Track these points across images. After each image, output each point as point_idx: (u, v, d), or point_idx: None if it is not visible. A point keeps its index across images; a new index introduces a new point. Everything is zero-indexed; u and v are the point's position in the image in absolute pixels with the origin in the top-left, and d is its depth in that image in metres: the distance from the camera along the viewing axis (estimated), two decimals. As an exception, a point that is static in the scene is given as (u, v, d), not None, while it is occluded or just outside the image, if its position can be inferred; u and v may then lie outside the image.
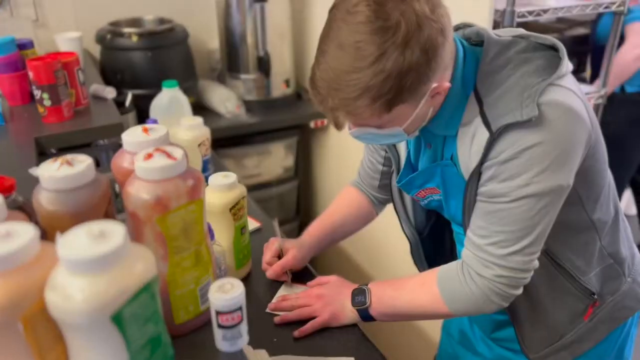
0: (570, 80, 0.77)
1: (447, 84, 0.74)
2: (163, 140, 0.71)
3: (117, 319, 0.49)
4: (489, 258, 0.77)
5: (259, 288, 0.96)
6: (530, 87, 0.72)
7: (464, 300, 0.81)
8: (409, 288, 0.87)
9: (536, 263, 0.79)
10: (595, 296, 0.90)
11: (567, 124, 0.72)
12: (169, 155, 0.66)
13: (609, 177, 0.88)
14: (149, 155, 0.66)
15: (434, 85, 0.71)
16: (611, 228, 0.89)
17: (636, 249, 0.99)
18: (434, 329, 1.74)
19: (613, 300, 0.93)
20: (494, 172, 0.74)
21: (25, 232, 0.51)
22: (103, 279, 0.48)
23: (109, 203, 0.69)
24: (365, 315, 0.88)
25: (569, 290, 0.89)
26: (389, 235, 1.90)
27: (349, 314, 0.87)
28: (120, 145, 0.76)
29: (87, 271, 0.48)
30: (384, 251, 1.96)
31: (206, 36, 2.21)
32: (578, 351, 0.93)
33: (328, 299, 0.88)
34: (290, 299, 0.90)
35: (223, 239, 0.94)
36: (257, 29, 1.97)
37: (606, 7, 1.52)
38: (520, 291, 0.81)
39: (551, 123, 0.71)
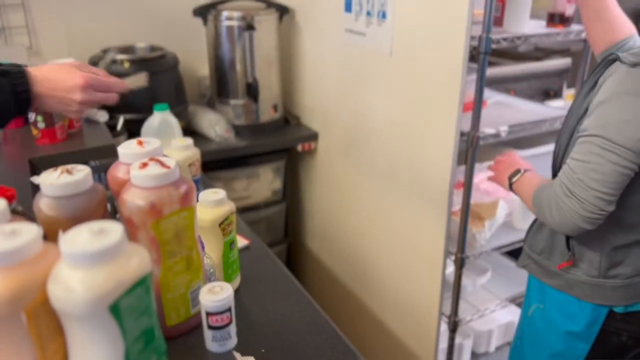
0: None
1: None
2: (157, 152, 0.76)
3: (115, 310, 0.53)
4: None
5: (247, 303, 0.99)
6: None
7: (539, 205, 1.07)
8: (529, 186, 1.15)
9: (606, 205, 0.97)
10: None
11: None
12: (162, 164, 0.70)
13: None
14: (144, 165, 0.70)
15: None
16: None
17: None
18: (406, 335, 1.77)
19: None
20: None
21: (29, 231, 0.54)
22: (102, 272, 0.52)
23: (104, 210, 0.73)
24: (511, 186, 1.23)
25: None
26: (380, 259, 1.94)
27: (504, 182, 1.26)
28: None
29: (87, 264, 0.52)
30: (374, 275, 1.99)
31: (196, 63, 2.28)
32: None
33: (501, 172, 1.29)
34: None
35: (212, 254, 0.98)
36: (246, 56, 2.04)
37: (577, 35, 1.60)
38: (591, 226, 0.98)
39: None
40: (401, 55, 1.60)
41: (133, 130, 1.78)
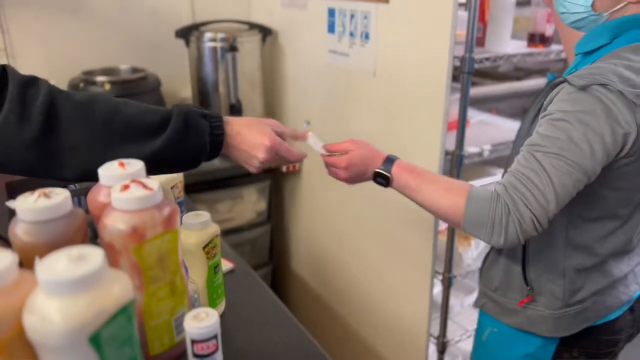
0: None
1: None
2: (139, 174, 0.73)
3: (95, 340, 0.50)
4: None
5: (233, 328, 0.96)
6: None
7: (481, 220, 0.90)
8: (434, 188, 0.97)
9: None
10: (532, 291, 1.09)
11: None
12: (145, 186, 0.68)
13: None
14: (126, 187, 0.68)
15: None
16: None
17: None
18: (374, 338, 1.74)
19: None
20: None
21: (3, 258, 0.52)
22: (81, 300, 0.49)
23: (84, 236, 0.70)
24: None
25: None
26: (367, 280, 1.92)
27: (365, 178, 1.06)
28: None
29: (65, 293, 0.49)
30: (361, 297, 1.97)
31: (179, 85, 2.27)
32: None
33: (352, 174, 1.06)
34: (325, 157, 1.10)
35: (197, 278, 0.95)
36: (229, 77, 2.03)
37: (557, 55, 1.63)
38: (531, 234, 0.90)
39: None
40: (385, 75, 1.60)
41: (114, 153, 1.74)
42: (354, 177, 1.06)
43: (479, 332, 1.25)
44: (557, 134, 0.88)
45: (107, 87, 1.86)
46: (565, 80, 0.91)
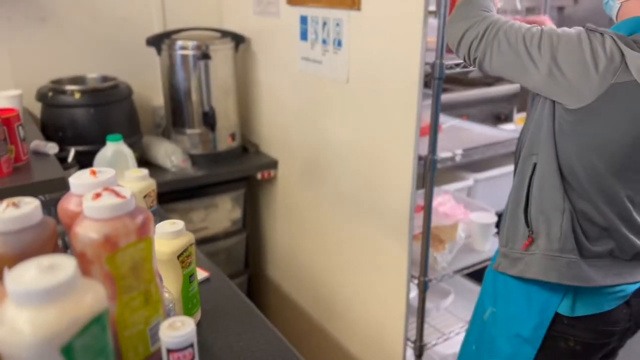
0: None
1: None
2: (111, 182, 0.72)
3: (67, 352, 0.49)
4: None
5: (209, 338, 0.95)
6: None
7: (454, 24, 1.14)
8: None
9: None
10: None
11: None
12: (117, 194, 0.67)
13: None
14: (98, 195, 0.67)
15: None
16: None
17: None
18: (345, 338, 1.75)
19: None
20: None
21: (-30, 270, 0.50)
22: (53, 311, 0.48)
23: (55, 246, 0.68)
24: None
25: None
26: (344, 286, 1.92)
27: None
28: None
29: (36, 303, 0.48)
30: (338, 303, 1.97)
31: (150, 93, 2.24)
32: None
33: None
34: None
35: (171, 287, 0.94)
36: (202, 85, 2.02)
37: (524, 60, 1.66)
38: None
39: None
40: (358, 82, 1.61)
41: (85, 163, 1.71)
42: None
43: (479, 309, 1.30)
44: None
45: (77, 96, 1.83)
46: None
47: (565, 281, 1.11)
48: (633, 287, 1.17)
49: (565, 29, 1.04)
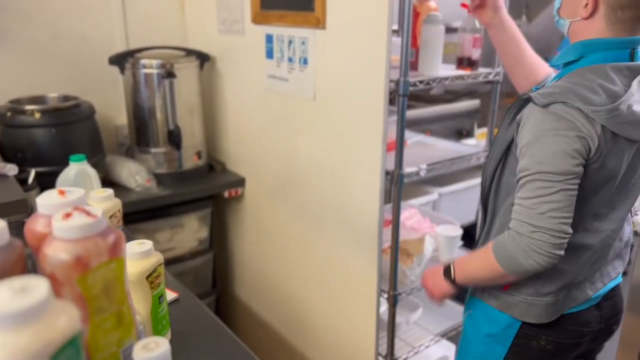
0: None
1: (587, 13, 1.03)
2: (81, 202, 0.71)
3: (41, 376, 0.47)
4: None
5: (179, 359, 0.93)
6: None
7: (510, 258, 1.05)
8: (476, 258, 1.16)
9: (567, 227, 1.02)
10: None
11: None
12: (88, 214, 0.66)
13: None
14: (68, 215, 0.65)
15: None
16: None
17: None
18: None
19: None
20: None
21: (-64, 294, 0.48)
22: (25, 334, 0.47)
23: (23, 269, 0.66)
24: (455, 285, 1.20)
25: None
26: (314, 303, 1.91)
27: (445, 287, 1.22)
28: (23, 223, 0.75)
29: (7, 326, 0.46)
30: (308, 320, 1.96)
31: (113, 112, 2.21)
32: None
33: (432, 285, 1.27)
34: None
35: (141, 309, 0.92)
36: (167, 103, 2.01)
37: (484, 77, 1.72)
38: (561, 252, 1.02)
39: None
40: (324, 99, 1.63)
41: (46, 184, 1.66)
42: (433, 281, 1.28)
43: (464, 316, 1.34)
44: (535, 153, 1.03)
45: (37, 116, 1.79)
46: (530, 99, 1.06)
47: (543, 320, 1.16)
48: (603, 291, 1.22)
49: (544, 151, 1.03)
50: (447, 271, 1.21)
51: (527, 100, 1.08)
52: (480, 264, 1.14)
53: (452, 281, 1.20)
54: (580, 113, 0.99)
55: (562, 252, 1.03)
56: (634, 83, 1.03)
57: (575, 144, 0.99)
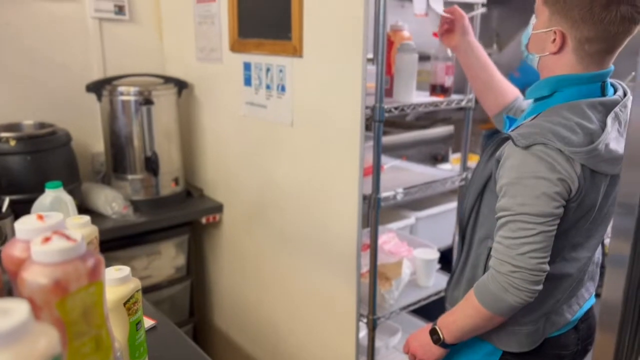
0: None
1: (556, 46, 1.06)
2: (60, 226, 0.71)
3: (20, 399, 0.47)
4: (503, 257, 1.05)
5: (156, 385, 0.93)
6: None
7: (492, 297, 1.06)
8: (459, 309, 1.15)
9: (545, 266, 1.04)
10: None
11: None
12: (68, 238, 0.66)
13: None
14: (47, 239, 0.65)
15: (557, 28, 1.05)
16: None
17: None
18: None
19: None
20: None
21: None
22: (5, 356, 0.47)
23: (1, 293, 0.66)
24: (446, 345, 1.17)
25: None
26: (293, 329, 1.90)
27: (437, 351, 1.19)
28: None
29: (-13, 350, 0.46)
30: (288, 346, 1.94)
31: (90, 139, 2.20)
32: None
33: (422, 353, 1.21)
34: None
35: (118, 335, 0.91)
36: (144, 130, 2.01)
37: (457, 104, 1.77)
38: (540, 287, 1.04)
39: None
40: (302, 125, 1.66)
41: (20, 212, 1.63)
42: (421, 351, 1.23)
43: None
44: (516, 194, 1.04)
45: (13, 143, 1.77)
46: (511, 138, 1.07)
47: (525, 349, 1.18)
48: (580, 313, 1.24)
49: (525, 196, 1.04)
50: (433, 334, 1.18)
51: (505, 138, 1.09)
52: (465, 312, 1.13)
53: (442, 343, 1.17)
54: (560, 154, 1.01)
55: (540, 287, 1.05)
56: (609, 120, 1.05)
57: (557, 187, 1.01)
